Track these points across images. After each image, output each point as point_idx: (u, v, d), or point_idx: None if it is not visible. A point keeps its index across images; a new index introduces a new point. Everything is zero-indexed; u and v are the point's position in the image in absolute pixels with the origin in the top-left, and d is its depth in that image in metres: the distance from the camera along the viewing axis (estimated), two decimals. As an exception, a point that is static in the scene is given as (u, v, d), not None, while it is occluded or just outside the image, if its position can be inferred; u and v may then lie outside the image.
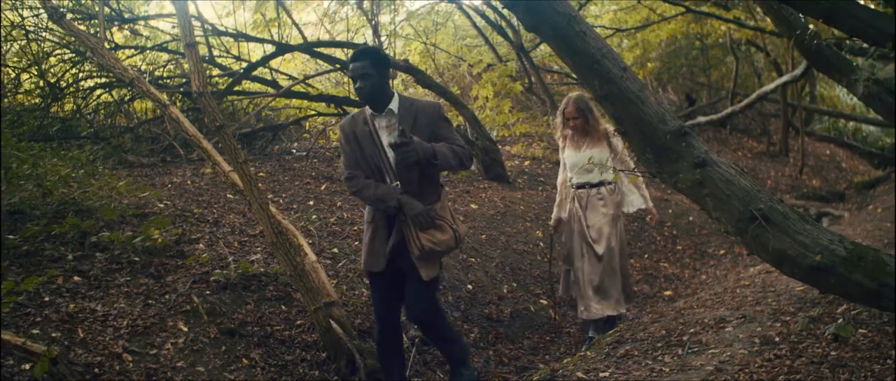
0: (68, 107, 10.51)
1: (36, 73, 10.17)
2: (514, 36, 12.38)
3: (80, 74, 10.34)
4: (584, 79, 4.19)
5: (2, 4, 9.98)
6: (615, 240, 6.43)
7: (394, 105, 4.66)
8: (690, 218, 11.24)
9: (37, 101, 10.25)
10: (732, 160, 3.84)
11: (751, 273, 7.56)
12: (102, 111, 10.76)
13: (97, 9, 9.37)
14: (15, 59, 10.72)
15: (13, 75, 10.46)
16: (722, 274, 8.86)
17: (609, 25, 15.48)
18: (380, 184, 4.66)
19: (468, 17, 13.56)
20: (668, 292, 8.41)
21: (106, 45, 8.44)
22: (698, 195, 3.97)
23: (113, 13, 9.97)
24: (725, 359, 4.57)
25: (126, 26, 10.80)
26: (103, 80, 10.19)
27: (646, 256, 9.74)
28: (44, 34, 10.25)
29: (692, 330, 5.36)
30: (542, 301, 7.67)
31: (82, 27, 9.27)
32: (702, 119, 16.01)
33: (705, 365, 4.53)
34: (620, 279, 6.43)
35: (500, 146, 12.08)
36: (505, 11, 12.21)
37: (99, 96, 10.73)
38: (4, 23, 10.51)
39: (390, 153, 4.60)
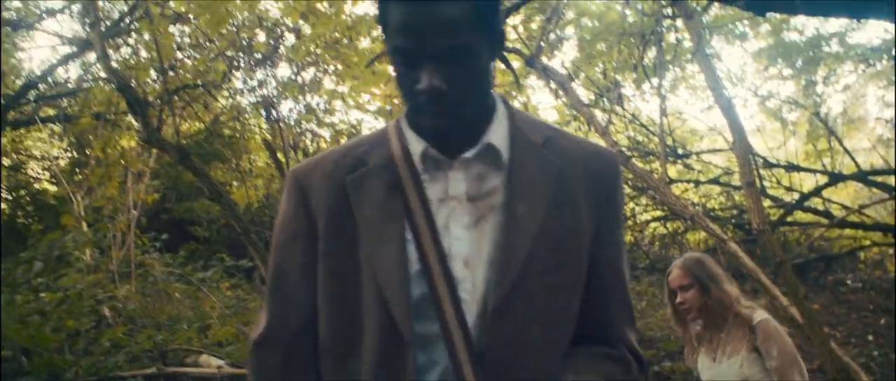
0: (627, 239, 11.32)
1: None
2: None
3: (637, 208, 11.12)
4: None
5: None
6: None
7: (498, 134, 1.48)
8: None
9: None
10: None
11: None
12: (657, 243, 11.41)
13: (655, 147, 10.10)
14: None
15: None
16: None
17: None
18: None
19: None
20: None
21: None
22: None
23: (668, 149, 10.62)
24: None
25: (679, 161, 11.42)
26: (658, 213, 10.83)
27: None
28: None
29: None
30: None
31: (639, 164, 10.00)
32: None
33: None
34: None
35: None
36: None
37: (654, 229, 11.41)
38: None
39: (459, 261, 1.43)
